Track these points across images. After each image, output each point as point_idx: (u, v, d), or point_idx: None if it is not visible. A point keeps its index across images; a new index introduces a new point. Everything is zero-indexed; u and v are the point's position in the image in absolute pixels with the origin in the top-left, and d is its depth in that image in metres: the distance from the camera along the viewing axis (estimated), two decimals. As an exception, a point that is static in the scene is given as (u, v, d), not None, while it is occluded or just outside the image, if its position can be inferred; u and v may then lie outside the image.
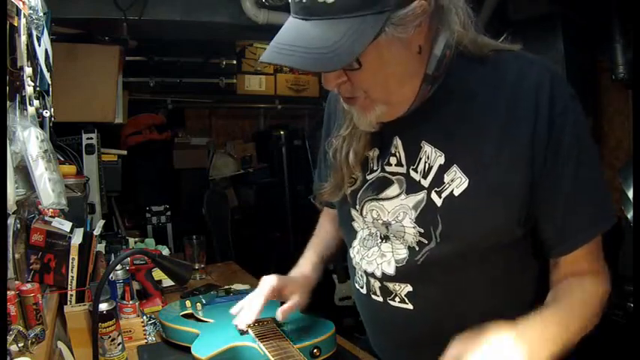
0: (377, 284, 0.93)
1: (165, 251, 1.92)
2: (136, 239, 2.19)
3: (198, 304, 1.34)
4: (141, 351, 1.23)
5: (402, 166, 0.86)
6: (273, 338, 1.05)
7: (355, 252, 0.97)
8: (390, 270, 0.89)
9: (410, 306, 0.90)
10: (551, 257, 0.85)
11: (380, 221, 0.89)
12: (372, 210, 0.90)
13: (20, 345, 0.83)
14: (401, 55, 0.73)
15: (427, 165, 0.83)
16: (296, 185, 3.96)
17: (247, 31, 2.70)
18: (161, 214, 3.50)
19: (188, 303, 1.35)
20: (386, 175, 0.88)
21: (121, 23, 2.38)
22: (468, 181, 0.79)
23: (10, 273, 0.99)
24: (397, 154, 0.86)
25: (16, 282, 0.99)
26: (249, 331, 1.11)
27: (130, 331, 1.29)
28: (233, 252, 3.70)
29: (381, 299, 0.93)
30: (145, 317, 1.37)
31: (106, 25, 2.46)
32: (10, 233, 1.00)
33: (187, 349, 1.11)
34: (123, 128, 3.26)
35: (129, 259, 1.49)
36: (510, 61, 0.82)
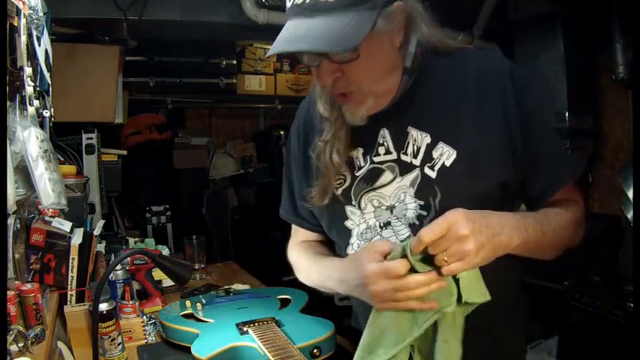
0: None
1: (165, 251, 1.92)
2: (136, 239, 2.19)
3: (198, 304, 1.35)
4: (141, 351, 1.23)
5: (390, 153, 0.93)
6: (273, 338, 1.05)
7: (355, 247, 0.98)
8: None
9: None
10: (537, 207, 0.93)
11: (383, 207, 0.94)
12: (372, 200, 0.94)
13: (20, 345, 0.83)
14: (387, 47, 0.85)
15: (415, 146, 0.91)
16: (296, 185, 3.96)
17: (247, 31, 2.69)
18: (161, 214, 3.50)
19: (188, 303, 1.35)
20: (375, 165, 0.94)
21: (121, 23, 2.38)
22: (455, 152, 0.88)
23: (10, 273, 0.99)
24: (385, 144, 0.93)
25: (16, 282, 0.99)
26: (249, 331, 1.11)
27: (130, 331, 1.29)
28: (233, 252, 3.70)
29: None
30: (145, 317, 1.37)
31: (106, 25, 2.45)
32: (10, 233, 1.00)
33: (187, 349, 1.11)
34: (123, 128, 3.26)
35: (129, 259, 1.49)
36: (473, 53, 0.96)
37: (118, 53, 2.52)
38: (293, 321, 1.20)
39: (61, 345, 1.07)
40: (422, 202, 0.90)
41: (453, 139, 0.89)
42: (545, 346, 2.44)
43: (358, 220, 0.97)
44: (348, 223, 0.98)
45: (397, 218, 0.93)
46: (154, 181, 3.61)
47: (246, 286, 1.74)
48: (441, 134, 0.90)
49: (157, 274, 1.60)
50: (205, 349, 1.06)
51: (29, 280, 1.17)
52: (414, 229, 0.91)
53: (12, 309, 0.89)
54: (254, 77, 3.78)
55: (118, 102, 2.55)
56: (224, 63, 3.59)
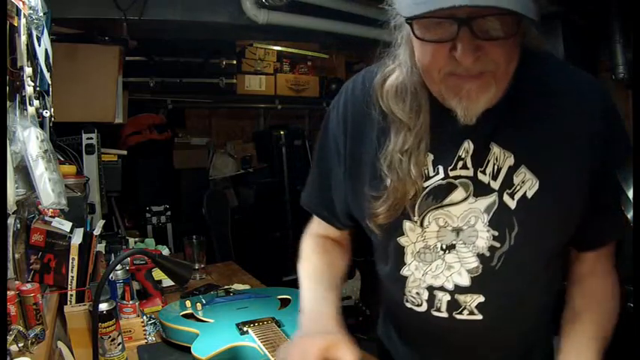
0: (446, 298, 0.88)
1: (166, 251, 1.92)
2: (136, 239, 2.19)
3: (198, 304, 1.35)
4: (141, 351, 1.23)
5: (467, 169, 0.83)
6: (273, 338, 1.05)
7: (413, 268, 0.90)
8: (464, 281, 0.86)
9: (479, 316, 0.88)
10: (586, 250, 0.91)
11: (449, 228, 0.84)
12: (438, 218, 0.85)
13: (20, 345, 0.83)
14: (519, 38, 0.75)
15: (496, 167, 0.81)
16: (296, 185, 3.96)
17: (247, 31, 2.70)
18: (161, 214, 3.50)
19: (188, 303, 1.35)
20: (450, 180, 0.84)
21: (121, 23, 2.39)
22: (538, 182, 0.80)
23: (10, 273, 0.99)
24: (465, 158, 0.83)
25: (16, 282, 0.99)
26: (249, 331, 1.11)
27: (130, 331, 1.29)
28: (233, 252, 3.70)
29: (445, 315, 0.88)
30: (145, 317, 1.37)
31: (106, 25, 2.46)
32: (10, 233, 1.00)
33: (187, 349, 1.11)
34: (123, 128, 3.25)
35: (129, 259, 1.49)
36: (564, 65, 0.88)
37: (118, 53, 2.52)
38: (293, 321, 1.20)
39: (61, 345, 1.07)
40: (496, 233, 0.82)
41: (537, 166, 0.80)
42: (545, 346, 2.43)
43: (416, 237, 0.87)
44: (402, 240, 0.88)
45: (464, 243, 0.84)
46: (153, 181, 3.61)
47: (246, 286, 1.74)
48: (525, 157, 0.80)
49: (157, 274, 1.60)
50: (205, 349, 1.06)
51: (29, 280, 1.17)
52: (484, 260, 0.84)
53: (12, 309, 0.89)
54: (254, 77, 3.78)
55: (118, 102, 2.55)
56: (224, 63, 3.59)
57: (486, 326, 0.88)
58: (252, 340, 1.07)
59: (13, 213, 1.00)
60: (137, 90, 3.33)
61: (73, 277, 1.29)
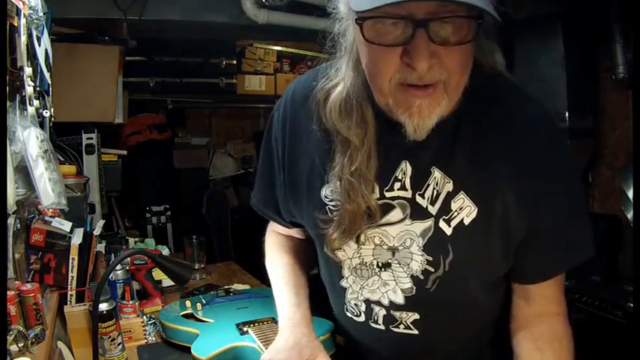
0: (382, 312, 0.90)
1: (166, 251, 1.92)
2: (136, 239, 2.19)
3: (198, 304, 1.35)
4: (141, 351, 1.23)
5: (406, 190, 0.81)
6: (273, 338, 1.05)
7: (350, 281, 0.91)
8: (399, 299, 0.87)
9: (415, 332, 0.89)
10: (526, 283, 0.86)
11: (385, 247, 0.84)
12: (374, 236, 0.84)
13: (20, 345, 0.83)
14: (473, 50, 0.70)
15: (435, 191, 0.79)
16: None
17: (247, 31, 2.69)
18: (161, 214, 3.50)
19: (188, 303, 1.35)
20: (387, 201, 0.82)
21: (121, 23, 2.38)
22: (477, 210, 0.78)
23: (10, 273, 0.99)
24: (402, 180, 0.81)
25: (16, 282, 0.99)
26: (249, 331, 1.11)
27: (130, 331, 1.29)
28: (233, 252, 3.70)
29: (382, 327, 0.91)
30: (145, 317, 1.37)
31: (106, 25, 2.46)
32: (10, 233, 1.00)
33: (187, 349, 1.11)
34: (123, 128, 3.26)
35: (129, 259, 1.49)
36: (516, 92, 0.82)
37: (118, 53, 2.52)
38: (293, 321, 1.20)
39: (61, 345, 1.07)
40: (430, 258, 0.82)
41: (476, 193, 0.78)
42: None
43: (352, 253, 0.87)
44: (340, 254, 0.88)
45: (399, 263, 0.84)
46: (153, 181, 3.61)
47: (246, 286, 1.73)
48: (465, 183, 0.78)
49: (157, 274, 1.60)
50: (205, 349, 1.06)
51: (29, 280, 1.17)
52: (418, 282, 0.84)
53: (12, 309, 0.89)
54: (254, 77, 3.78)
55: (118, 102, 2.55)
56: (224, 63, 3.59)
57: (423, 340, 0.89)
58: (252, 340, 1.07)
59: (13, 213, 1.00)
60: (137, 90, 3.33)
61: (73, 277, 1.29)
